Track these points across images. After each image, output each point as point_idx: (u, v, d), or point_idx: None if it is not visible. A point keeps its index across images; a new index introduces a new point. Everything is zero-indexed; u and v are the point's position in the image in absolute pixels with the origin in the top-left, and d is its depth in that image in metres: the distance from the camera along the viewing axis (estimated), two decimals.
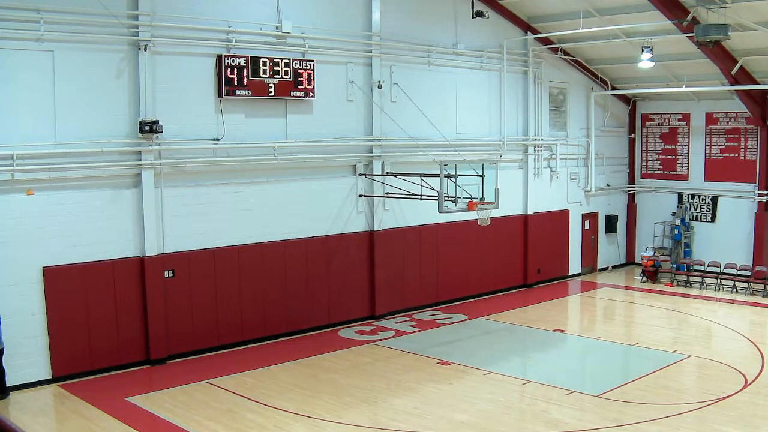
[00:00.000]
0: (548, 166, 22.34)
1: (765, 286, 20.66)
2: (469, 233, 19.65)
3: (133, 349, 14.41)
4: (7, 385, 12.80)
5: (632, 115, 24.93)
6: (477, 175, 15.88)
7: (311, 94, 16.36)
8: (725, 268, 21.73)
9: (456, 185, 15.61)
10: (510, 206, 20.70)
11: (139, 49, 14.10)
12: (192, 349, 15.16)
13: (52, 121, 13.28)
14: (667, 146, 24.26)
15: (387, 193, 17.82)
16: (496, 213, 17.06)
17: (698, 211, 23.37)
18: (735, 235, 22.32)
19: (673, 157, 24.10)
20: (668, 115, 24.17)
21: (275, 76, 15.71)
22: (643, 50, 19.35)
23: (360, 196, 17.71)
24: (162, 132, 14.26)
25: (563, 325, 18.37)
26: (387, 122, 17.88)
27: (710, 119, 23.11)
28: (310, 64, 16.25)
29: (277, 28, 16.03)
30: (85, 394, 12.91)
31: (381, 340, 16.45)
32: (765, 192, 21.60)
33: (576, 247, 23.56)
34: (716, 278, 21.51)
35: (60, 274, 13.46)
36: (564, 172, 22.88)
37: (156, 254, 14.56)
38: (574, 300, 21.26)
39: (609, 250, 24.78)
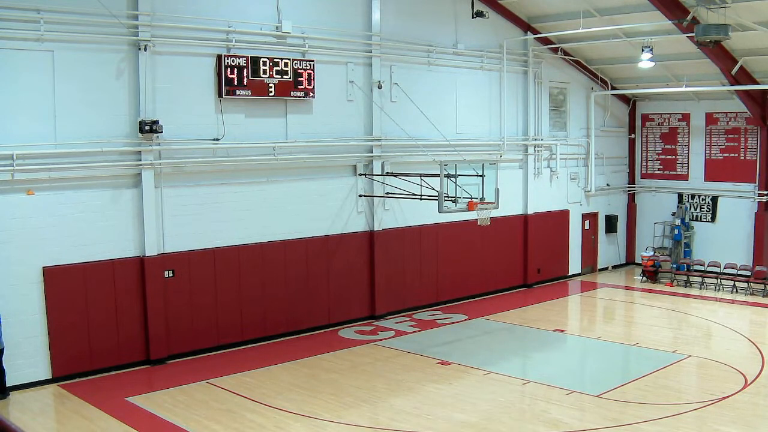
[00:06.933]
0: (548, 166, 22.34)
1: (765, 286, 20.66)
2: (469, 233, 19.65)
3: (133, 349, 14.41)
4: (7, 385, 12.80)
5: (632, 115, 24.93)
6: (477, 175, 15.88)
7: (311, 94, 16.36)
8: (725, 268, 21.74)
9: (456, 185, 15.60)
10: (510, 206, 20.70)
11: (139, 49, 14.10)
12: (192, 349, 15.16)
13: (52, 121, 13.28)
14: (667, 146, 24.26)
15: (387, 193, 17.82)
16: (496, 213, 17.06)
17: (698, 211, 23.37)
18: (735, 235, 22.32)
19: (673, 157, 24.10)
20: (668, 115, 24.17)
21: (275, 76, 15.71)
22: (643, 50, 19.35)
23: (360, 196, 17.71)
24: (162, 132, 14.26)
25: (563, 325, 18.37)
26: (387, 122, 17.88)
27: (710, 119, 23.11)
28: (310, 64, 16.26)
29: (277, 28, 16.03)
30: (85, 394, 12.91)
31: (381, 340, 16.45)
32: (765, 192, 21.60)
33: (576, 247, 23.56)
34: (716, 278, 21.52)
35: (60, 274, 13.46)
36: (564, 172, 22.88)
37: (156, 254, 14.56)
38: (574, 300, 21.25)
39: (609, 250, 24.78)
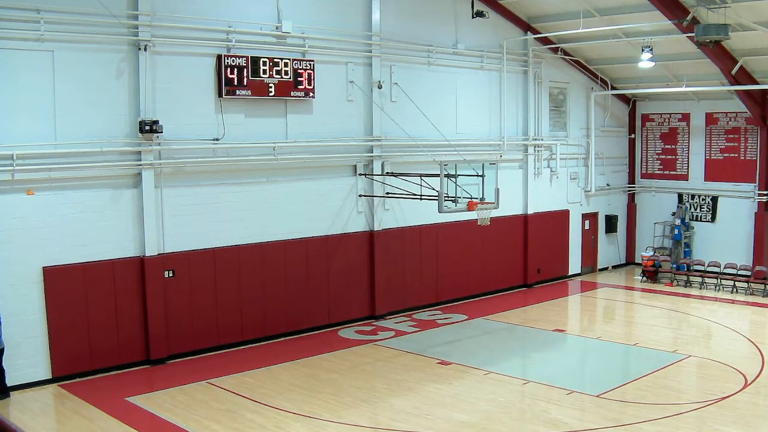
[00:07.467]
0: (548, 166, 22.34)
1: (765, 286, 20.66)
2: (469, 233, 19.65)
3: (133, 349, 14.41)
4: (7, 385, 12.80)
5: (632, 115, 24.94)
6: (477, 175, 15.88)
7: (311, 94, 16.36)
8: (725, 268, 21.74)
9: (456, 185, 15.61)
10: (510, 206, 20.70)
11: (139, 49, 14.10)
12: (192, 349, 15.16)
13: (52, 121, 13.28)
14: (667, 146, 24.26)
15: (387, 193, 17.82)
16: (496, 213, 17.05)
17: (698, 211, 23.37)
18: (735, 235, 22.32)
19: (673, 157, 24.10)
20: (668, 115, 24.17)
21: (275, 76, 15.71)
22: (643, 50, 19.35)
23: (360, 196, 17.71)
24: (162, 132, 14.26)
25: (563, 325, 18.37)
26: (387, 122, 17.88)
27: (710, 119, 23.11)
28: (310, 64, 16.25)
29: (277, 28, 16.03)
30: (85, 394, 12.91)
31: (381, 340, 16.45)
32: (765, 192, 21.59)
33: (576, 247, 23.56)
34: (716, 278, 21.52)
35: (60, 274, 13.46)
36: (564, 172, 22.88)
37: (156, 254, 14.56)
38: (574, 300, 21.25)
39: (609, 250, 24.78)
